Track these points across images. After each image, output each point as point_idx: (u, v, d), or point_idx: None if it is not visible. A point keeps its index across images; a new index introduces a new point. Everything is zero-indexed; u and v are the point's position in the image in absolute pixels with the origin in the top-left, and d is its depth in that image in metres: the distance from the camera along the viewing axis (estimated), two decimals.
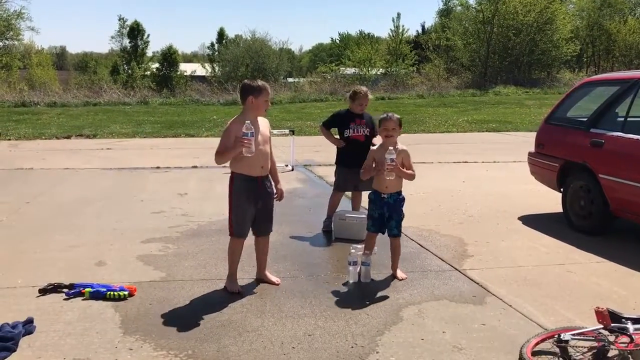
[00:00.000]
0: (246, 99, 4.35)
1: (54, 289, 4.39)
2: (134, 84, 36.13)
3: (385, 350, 3.51)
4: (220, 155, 4.34)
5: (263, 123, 4.45)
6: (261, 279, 4.69)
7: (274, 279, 4.66)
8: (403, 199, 4.77)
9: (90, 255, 5.34)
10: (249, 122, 4.18)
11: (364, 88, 6.11)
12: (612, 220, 5.95)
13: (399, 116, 4.72)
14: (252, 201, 4.41)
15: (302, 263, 4.83)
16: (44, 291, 4.37)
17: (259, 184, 4.42)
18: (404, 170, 4.64)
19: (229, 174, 4.49)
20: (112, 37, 63.92)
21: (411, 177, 4.69)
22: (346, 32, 64.99)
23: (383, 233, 4.84)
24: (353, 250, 4.72)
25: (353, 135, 5.94)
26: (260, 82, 4.42)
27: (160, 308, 4.14)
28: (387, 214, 4.72)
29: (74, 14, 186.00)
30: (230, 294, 4.41)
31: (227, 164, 4.44)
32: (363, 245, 4.79)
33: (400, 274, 4.77)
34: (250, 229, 4.55)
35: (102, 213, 7.01)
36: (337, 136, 6.09)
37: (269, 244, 4.73)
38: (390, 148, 4.54)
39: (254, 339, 3.67)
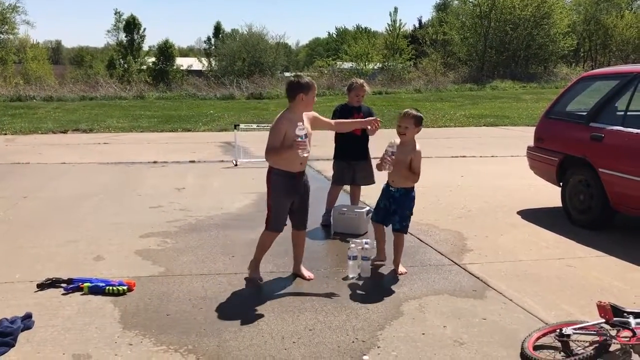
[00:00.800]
0: (296, 96, 4.33)
1: (52, 284, 4.37)
2: (130, 79, 35.93)
3: (387, 345, 3.50)
4: (274, 153, 4.30)
5: (305, 118, 4.44)
6: (296, 273, 4.69)
7: (307, 274, 4.65)
8: (411, 197, 4.72)
9: (89, 250, 5.31)
10: (301, 123, 4.21)
11: (360, 80, 6.10)
12: (612, 215, 5.94)
13: (416, 113, 4.64)
14: (292, 197, 4.43)
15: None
16: (42, 286, 4.34)
17: (297, 180, 4.42)
18: (409, 170, 4.60)
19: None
20: (108, 31, 63.61)
21: (411, 178, 4.64)
22: (343, 27, 64.74)
23: (386, 225, 4.82)
24: (353, 245, 4.70)
25: None
26: (309, 79, 4.43)
27: (160, 303, 4.12)
28: (393, 208, 4.71)
29: (69, 8, 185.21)
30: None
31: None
32: (363, 240, 4.76)
33: (400, 268, 4.75)
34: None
35: (99, 208, 6.97)
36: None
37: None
38: (392, 141, 4.53)
39: (255, 333, 3.65)
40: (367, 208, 6.01)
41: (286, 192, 4.41)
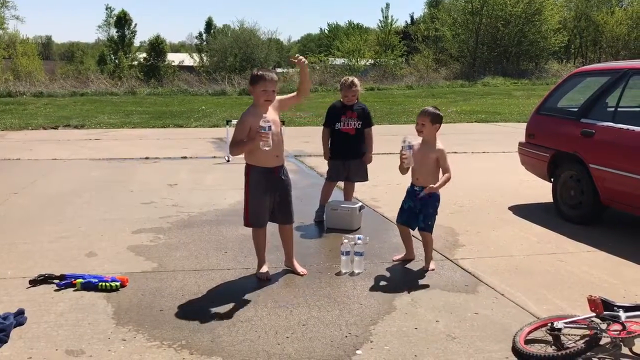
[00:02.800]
0: (251, 90, 4.36)
1: (45, 280, 4.35)
2: (121, 74, 35.77)
3: (379, 340, 3.52)
4: (236, 146, 4.34)
5: (273, 113, 4.41)
6: (289, 267, 4.70)
7: (300, 269, 4.65)
8: (436, 196, 4.68)
9: (81, 246, 5.30)
10: (266, 115, 4.19)
11: (350, 78, 6.05)
12: (602, 210, 5.99)
13: (433, 110, 4.61)
14: (269, 192, 4.42)
15: (295, 253, 4.81)
16: (34, 282, 4.32)
17: (275, 174, 4.42)
18: (437, 170, 4.61)
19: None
20: (99, 27, 63.51)
21: (441, 177, 4.61)
22: (335, 23, 64.86)
23: (412, 228, 4.80)
24: (346, 241, 4.71)
25: (343, 129, 5.93)
26: (259, 71, 4.37)
27: (153, 299, 4.12)
28: (418, 207, 4.68)
29: (59, 3, 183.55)
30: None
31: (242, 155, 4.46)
32: (356, 236, 4.77)
33: (431, 265, 4.74)
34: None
35: (91, 203, 6.95)
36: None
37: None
38: (404, 137, 4.53)
39: (248, 328, 3.66)
40: (360, 204, 6.02)
41: (264, 188, 4.40)
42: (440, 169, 4.65)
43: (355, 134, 5.90)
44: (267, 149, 4.18)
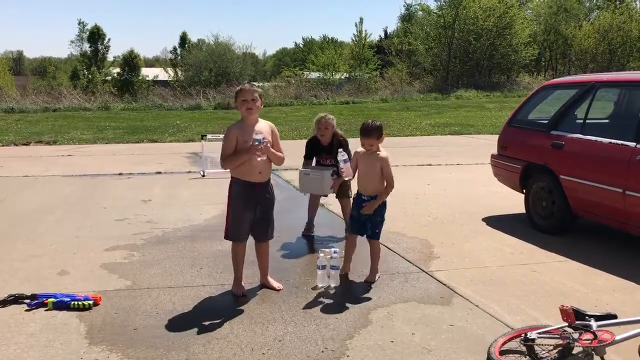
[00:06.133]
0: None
1: (15, 300, 4.27)
2: (94, 89, 35.35)
3: (355, 354, 3.52)
4: (227, 160, 4.35)
5: (265, 128, 4.44)
6: (264, 284, 4.67)
7: (275, 284, 4.64)
8: (383, 204, 4.76)
9: (53, 265, 5.21)
10: (257, 129, 4.30)
11: (322, 114, 6.03)
12: (574, 220, 6.10)
13: (376, 126, 4.69)
14: (250, 207, 4.41)
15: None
16: (4, 302, 4.23)
17: (257, 190, 4.40)
18: (382, 179, 4.67)
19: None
20: (72, 42, 62.79)
21: (385, 188, 4.70)
22: (310, 37, 65.14)
23: (362, 235, 4.84)
24: (322, 254, 4.71)
25: (323, 163, 6.06)
26: (240, 86, 4.50)
27: (127, 317, 4.07)
28: (364, 216, 4.73)
29: (31, 18, 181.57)
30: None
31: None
32: (332, 249, 4.77)
33: (374, 277, 4.77)
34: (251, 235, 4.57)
35: (63, 221, 6.84)
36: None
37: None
38: (340, 150, 4.71)
39: (224, 345, 3.63)
40: (333, 169, 6.03)
41: (244, 203, 4.40)
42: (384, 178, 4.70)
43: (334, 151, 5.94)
44: (259, 160, 4.28)
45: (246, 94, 4.35)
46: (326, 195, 5.99)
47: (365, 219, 4.74)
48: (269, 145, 4.30)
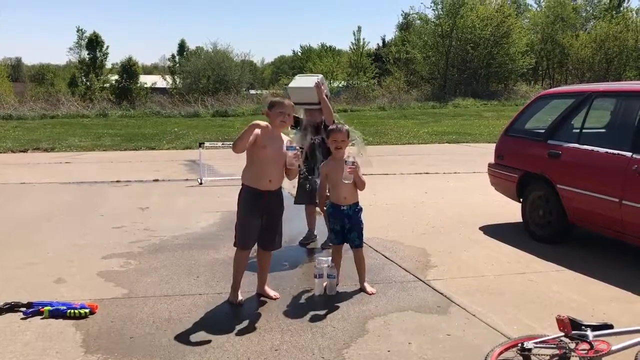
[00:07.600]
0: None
1: (11, 308, 4.25)
2: (92, 97, 35.37)
3: None
4: (239, 140, 4.23)
5: (283, 140, 4.49)
6: (260, 293, 4.66)
7: (272, 293, 4.63)
8: (361, 209, 4.81)
9: (49, 272, 5.19)
10: (289, 139, 4.48)
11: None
12: (570, 229, 6.11)
13: (348, 127, 4.76)
14: (257, 214, 4.40)
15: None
16: (0, 311, 4.22)
17: (265, 199, 4.40)
18: (360, 176, 4.68)
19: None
20: (70, 49, 62.58)
21: (364, 184, 4.72)
22: (308, 45, 65.24)
23: (347, 243, 4.85)
24: (319, 263, 4.72)
25: None
26: (278, 99, 4.59)
27: (123, 325, 4.06)
28: (348, 226, 4.74)
29: (30, 25, 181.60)
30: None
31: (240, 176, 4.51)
32: (329, 258, 4.78)
33: (369, 288, 4.74)
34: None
35: (60, 228, 6.83)
36: None
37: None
38: (348, 153, 4.64)
39: (220, 354, 3.62)
40: (321, 76, 5.99)
41: (251, 210, 4.40)
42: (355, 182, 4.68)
43: None
44: (298, 165, 4.40)
45: (288, 109, 4.45)
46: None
47: (348, 229, 4.72)
48: (299, 154, 4.39)
